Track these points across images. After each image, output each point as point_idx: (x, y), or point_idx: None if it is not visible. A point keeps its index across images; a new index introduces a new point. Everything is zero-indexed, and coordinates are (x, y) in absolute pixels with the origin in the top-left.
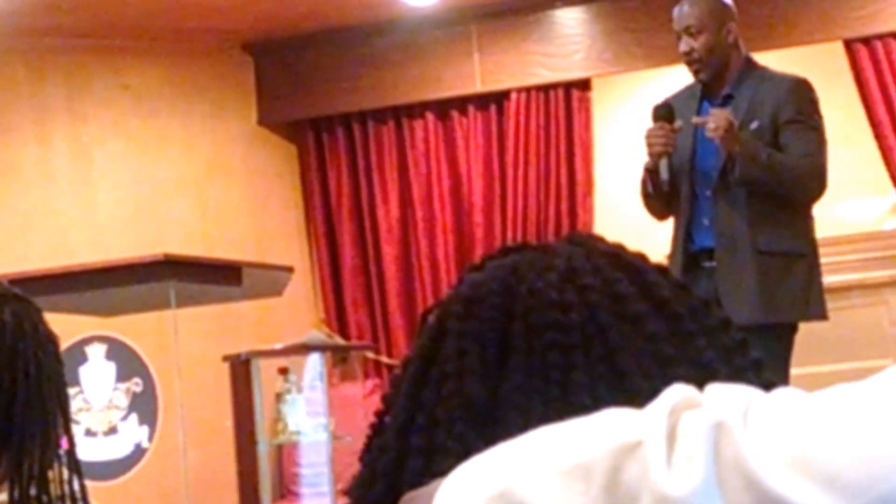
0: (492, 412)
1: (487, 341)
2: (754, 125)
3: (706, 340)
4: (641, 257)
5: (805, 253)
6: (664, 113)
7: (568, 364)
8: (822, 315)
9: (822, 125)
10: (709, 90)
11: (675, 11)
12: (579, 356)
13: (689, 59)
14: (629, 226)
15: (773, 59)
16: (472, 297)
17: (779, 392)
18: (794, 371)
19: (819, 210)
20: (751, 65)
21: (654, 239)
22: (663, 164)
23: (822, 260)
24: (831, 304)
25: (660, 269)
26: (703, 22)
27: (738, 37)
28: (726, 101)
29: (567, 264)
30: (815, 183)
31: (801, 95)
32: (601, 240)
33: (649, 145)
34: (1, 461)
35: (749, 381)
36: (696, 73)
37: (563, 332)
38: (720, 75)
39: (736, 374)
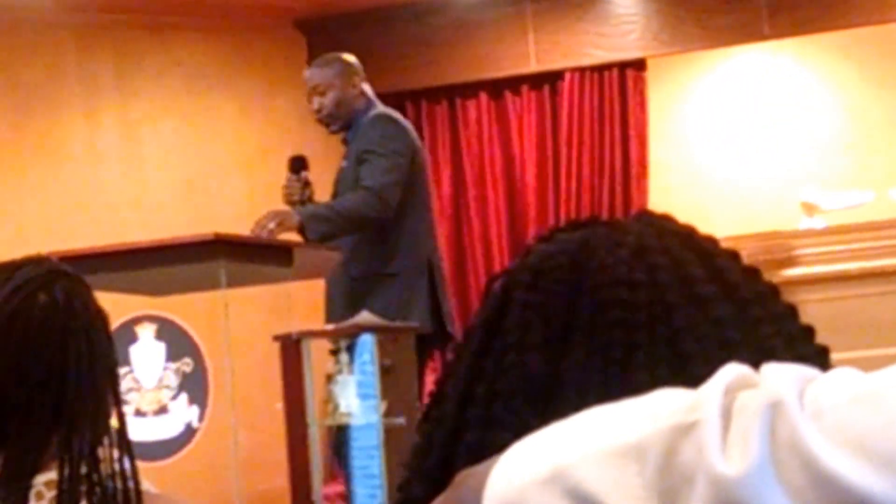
0: (551, 387)
1: (552, 314)
2: (344, 164)
3: (772, 328)
4: (712, 240)
5: (396, 272)
6: (294, 165)
7: (631, 343)
8: (430, 328)
9: (390, 150)
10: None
11: (305, 73)
12: (643, 336)
13: (319, 117)
14: (682, 208)
15: (831, 40)
16: (540, 268)
17: (836, 372)
18: (839, 356)
19: (875, 194)
20: (368, 109)
21: (707, 222)
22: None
23: (879, 243)
24: (880, 287)
25: (730, 253)
26: (328, 82)
27: (362, 88)
28: (348, 144)
29: (638, 242)
30: (372, 207)
31: (372, 128)
32: (672, 219)
33: (283, 197)
34: (52, 439)
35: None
36: (326, 127)
37: (629, 311)
38: (350, 123)
39: (800, 362)
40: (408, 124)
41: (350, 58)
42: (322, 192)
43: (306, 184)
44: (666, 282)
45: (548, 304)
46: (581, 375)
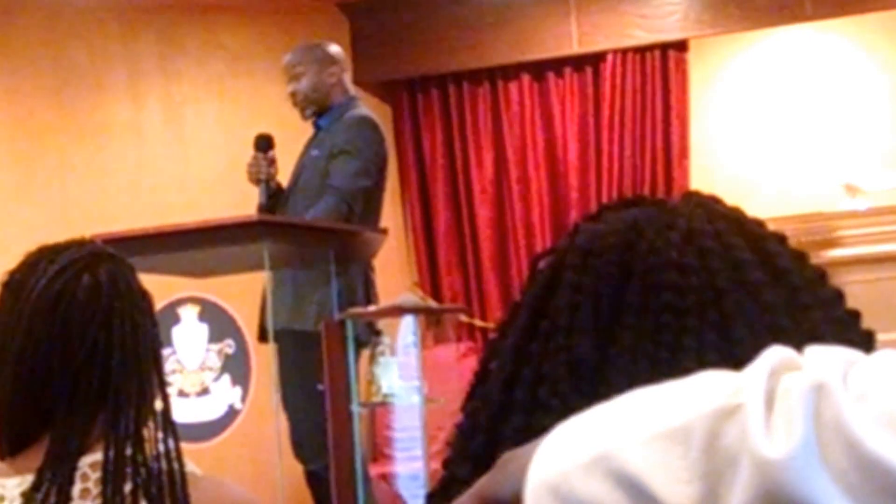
0: (598, 371)
1: (602, 297)
2: (314, 153)
3: (821, 313)
4: (760, 224)
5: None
6: (262, 144)
7: (680, 327)
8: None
9: (365, 155)
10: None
11: (284, 58)
12: (693, 320)
13: (294, 102)
14: (724, 189)
15: (876, 18)
16: (590, 249)
17: (879, 354)
18: (881, 337)
19: None
20: (349, 105)
21: (749, 203)
22: (261, 190)
23: None
24: None
25: (778, 237)
26: (305, 66)
27: (341, 79)
28: (318, 130)
29: (688, 225)
30: (340, 215)
31: (353, 128)
32: (720, 201)
33: (248, 174)
34: (97, 421)
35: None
36: (301, 112)
37: (679, 295)
38: (324, 111)
39: (848, 347)
40: (384, 132)
41: (333, 48)
42: None
43: (272, 162)
44: (716, 266)
45: (597, 286)
46: (629, 359)
